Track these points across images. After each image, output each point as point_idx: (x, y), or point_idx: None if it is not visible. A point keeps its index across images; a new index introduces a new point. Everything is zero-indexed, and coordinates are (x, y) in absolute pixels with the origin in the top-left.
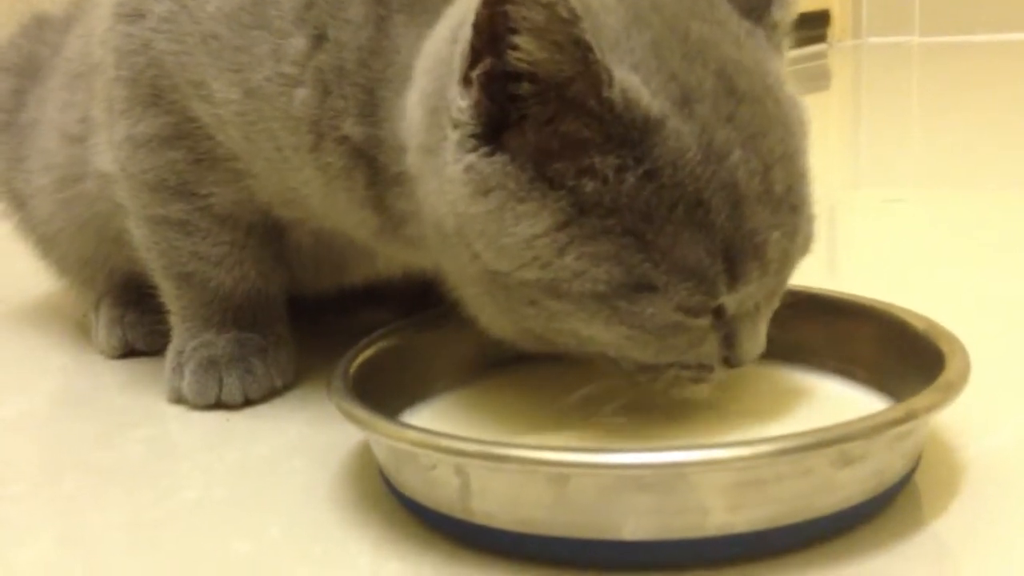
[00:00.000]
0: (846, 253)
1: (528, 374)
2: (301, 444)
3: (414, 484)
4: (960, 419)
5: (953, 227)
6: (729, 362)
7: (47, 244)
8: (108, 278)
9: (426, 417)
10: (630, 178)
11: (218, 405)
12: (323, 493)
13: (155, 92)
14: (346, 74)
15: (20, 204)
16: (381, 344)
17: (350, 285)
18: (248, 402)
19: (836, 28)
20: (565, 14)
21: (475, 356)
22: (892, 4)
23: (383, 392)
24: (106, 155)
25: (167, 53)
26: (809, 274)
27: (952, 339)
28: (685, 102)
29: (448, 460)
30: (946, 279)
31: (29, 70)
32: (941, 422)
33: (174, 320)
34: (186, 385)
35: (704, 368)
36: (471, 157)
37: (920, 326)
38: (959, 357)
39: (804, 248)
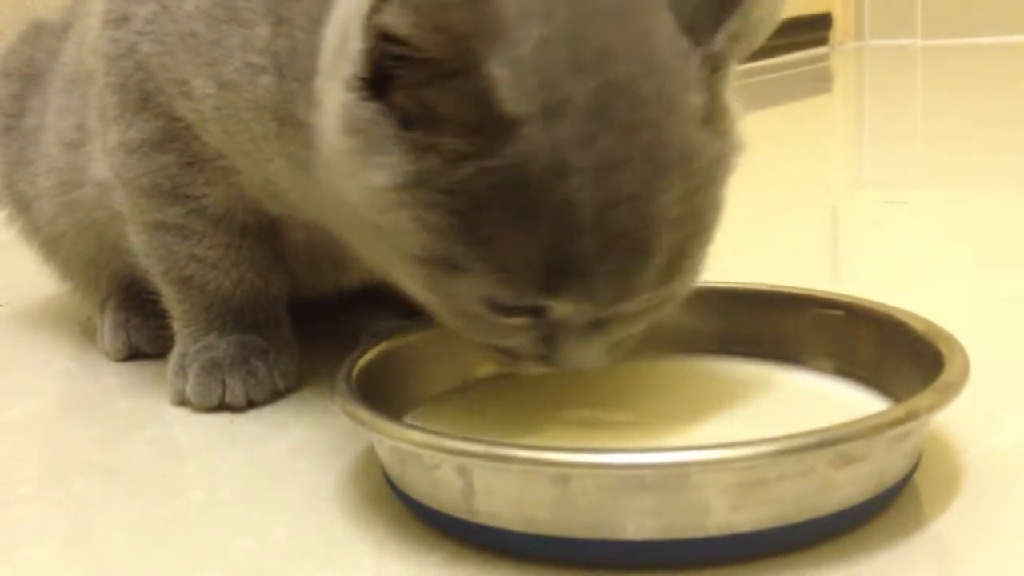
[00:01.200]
0: (848, 254)
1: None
2: (305, 445)
3: (417, 485)
4: (960, 420)
5: (955, 229)
6: (547, 362)
7: (51, 247)
8: (111, 281)
9: (430, 418)
10: (471, 167)
11: (221, 407)
12: (327, 494)
13: (143, 96)
14: (297, 55)
15: (24, 207)
16: (384, 346)
17: (349, 286)
18: (251, 404)
19: (838, 31)
20: None
21: (479, 358)
22: (894, 7)
23: (387, 393)
24: (102, 163)
25: (151, 55)
26: (811, 275)
27: (951, 340)
28: (549, 113)
29: (451, 460)
30: (948, 280)
31: (30, 75)
32: (941, 423)
33: (176, 325)
34: (190, 388)
35: (515, 357)
36: (350, 96)
37: (919, 327)
38: (959, 358)
39: (656, 292)
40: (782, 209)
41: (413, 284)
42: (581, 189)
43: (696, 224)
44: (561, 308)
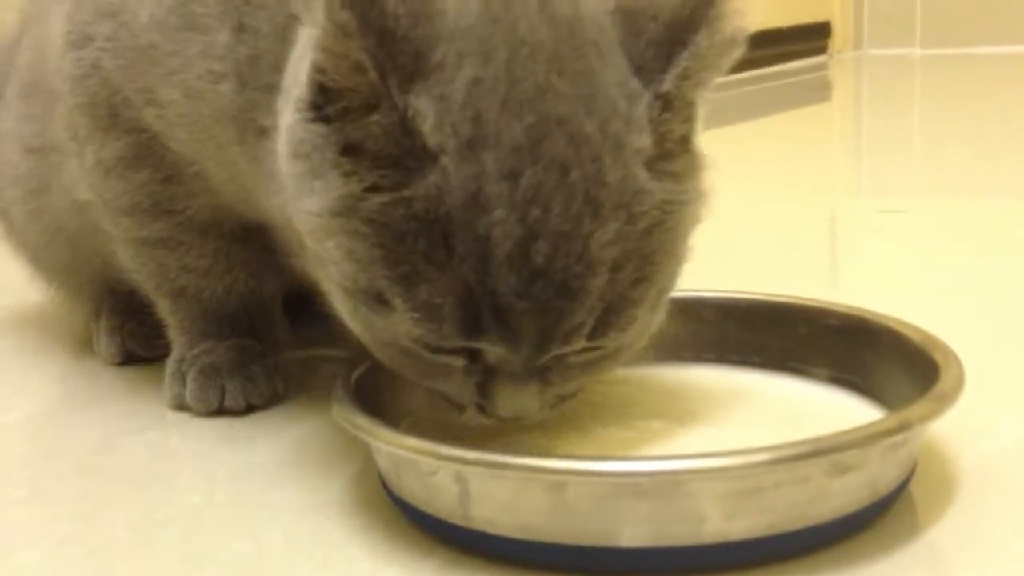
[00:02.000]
0: (846, 262)
1: None
2: (302, 450)
3: (414, 491)
4: (955, 429)
5: (953, 238)
6: (483, 410)
7: (29, 253)
8: (91, 286)
9: (426, 426)
10: (388, 197)
11: (220, 412)
12: (324, 499)
13: (112, 112)
14: (260, 64)
15: (3, 214)
16: None
17: None
18: (250, 408)
19: (837, 40)
20: (350, 29)
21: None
22: (893, 16)
23: (384, 401)
24: (81, 184)
25: (114, 70)
26: (809, 283)
27: (947, 350)
28: (472, 146)
29: (448, 467)
30: (945, 290)
31: None
32: (936, 432)
33: (172, 333)
34: (188, 392)
35: (451, 402)
36: (296, 116)
37: (915, 337)
38: (954, 368)
39: (596, 343)
40: (780, 217)
41: (347, 318)
42: (501, 223)
43: (641, 272)
44: (493, 351)
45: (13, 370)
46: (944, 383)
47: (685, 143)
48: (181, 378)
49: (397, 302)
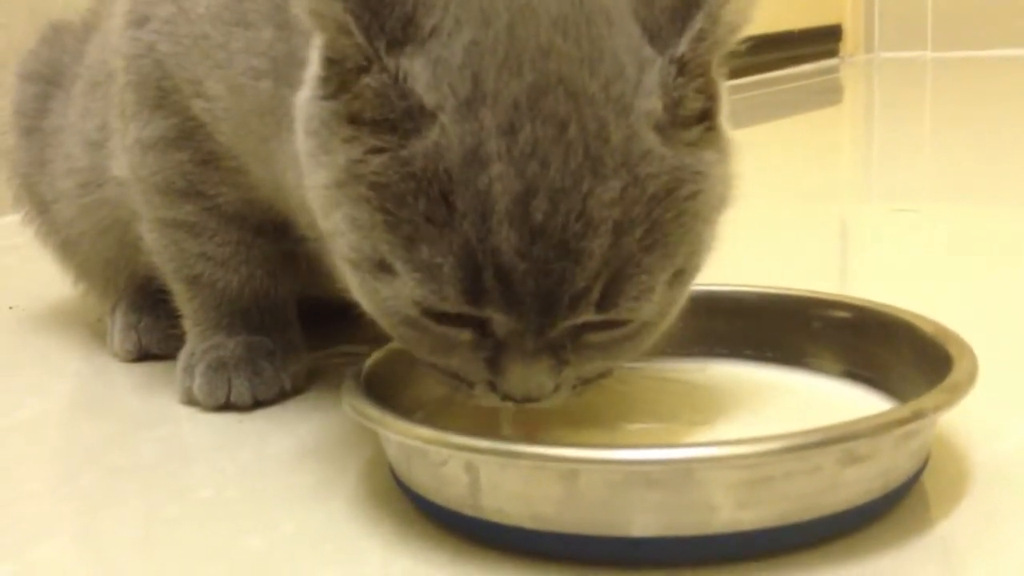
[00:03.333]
0: (857, 264)
1: None
2: (313, 444)
3: (424, 481)
4: (969, 422)
5: (963, 239)
6: (495, 388)
7: (70, 248)
8: (129, 281)
9: (437, 418)
10: (389, 158)
11: (228, 406)
12: (335, 491)
13: (160, 94)
14: (294, 61)
15: (43, 208)
16: (393, 347)
17: None
18: (258, 404)
19: (848, 43)
20: None
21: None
22: (904, 19)
23: (394, 393)
24: (120, 160)
25: (168, 55)
26: (820, 284)
27: (960, 342)
28: (471, 103)
29: (458, 456)
30: (956, 288)
31: (51, 76)
32: (950, 425)
33: (187, 324)
34: (196, 386)
35: (461, 381)
36: (308, 95)
37: (928, 329)
38: (967, 359)
39: (605, 313)
40: (792, 218)
41: (357, 293)
42: (500, 178)
43: (651, 239)
44: (499, 321)
45: (27, 367)
46: (957, 374)
47: (707, 118)
48: (191, 372)
49: (399, 265)
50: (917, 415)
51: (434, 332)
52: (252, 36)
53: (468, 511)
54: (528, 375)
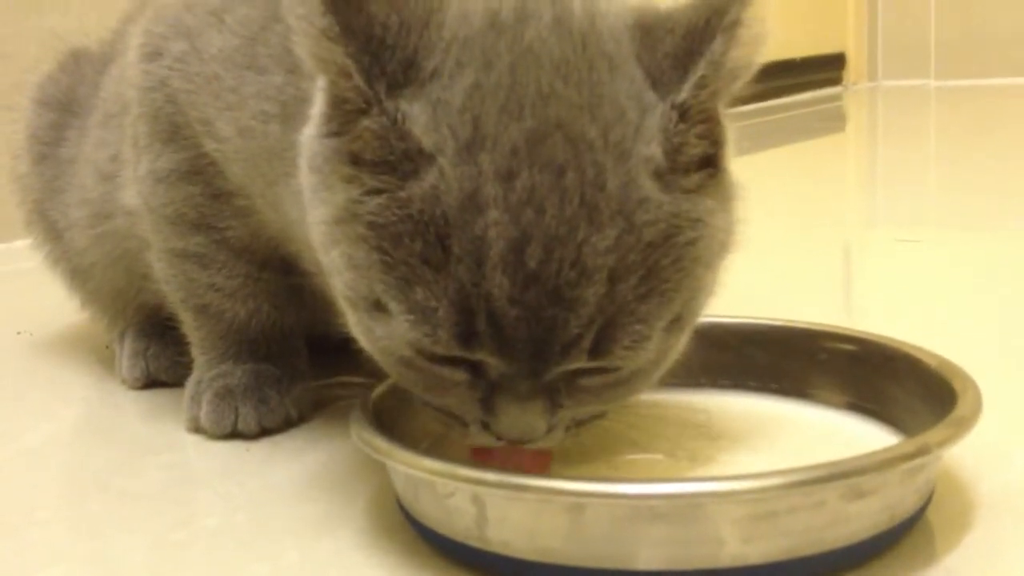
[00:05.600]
0: (861, 292)
1: None
2: (319, 473)
3: (431, 512)
4: (973, 456)
5: (968, 268)
6: (489, 428)
7: (81, 275)
8: (138, 309)
9: (445, 449)
10: (386, 199)
11: (234, 435)
12: (341, 521)
13: (173, 128)
14: (303, 105)
15: (55, 236)
16: None
17: None
18: (264, 432)
19: (852, 71)
20: (332, 34)
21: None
22: (907, 48)
23: (401, 424)
24: (131, 189)
25: (180, 91)
26: (824, 312)
27: (964, 376)
28: (470, 148)
29: (465, 488)
30: (960, 318)
31: (68, 104)
32: (954, 458)
33: (194, 352)
34: (203, 414)
35: (455, 419)
36: (311, 131)
37: (932, 363)
38: (971, 393)
39: (601, 360)
40: (795, 246)
41: (354, 331)
42: (495, 224)
43: (647, 286)
44: (492, 364)
45: (35, 393)
46: (962, 408)
47: (709, 163)
48: (198, 400)
49: (393, 306)
50: (922, 451)
51: (429, 372)
52: (264, 80)
53: (475, 543)
54: (521, 417)
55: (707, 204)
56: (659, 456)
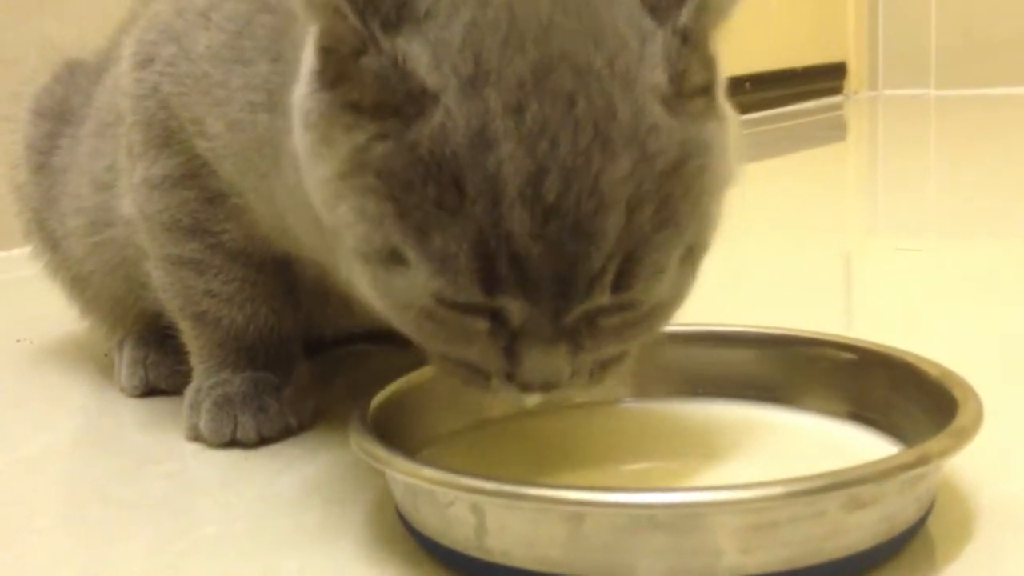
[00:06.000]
0: (862, 301)
1: (548, 419)
2: (319, 482)
3: (431, 522)
4: (974, 466)
5: (969, 277)
6: (512, 379)
7: (80, 284)
8: (137, 318)
9: (443, 457)
10: (393, 145)
11: (234, 443)
12: (340, 530)
13: (166, 134)
14: (288, 90)
15: (53, 245)
16: (399, 385)
17: (361, 328)
18: (264, 440)
19: (853, 80)
20: None
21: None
22: (908, 57)
23: (401, 432)
24: (127, 198)
25: (171, 95)
26: (824, 321)
27: (965, 385)
28: (474, 83)
29: (465, 498)
30: (961, 327)
31: (62, 114)
32: (954, 468)
33: (193, 360)
34: (203, 423)
35: (478, 372)
36: (303, 90)
37: (933, 372)
38: (972, 403)
39: (620, 296)
40: (796, 255)
41: (368, 290)
42: (509, 159)
43: (662, 215)
44: (515, 309)
45: (34, 401)
46: (963, 418)
47: (708, 92)
48: (197, 409)
49: (411, 255)
50: (922, 460)
51: (449, 323)
52: (250, 72)
53: (474, 553)
54: (545, 361)
55: (711, 128)
56: (657, 465)
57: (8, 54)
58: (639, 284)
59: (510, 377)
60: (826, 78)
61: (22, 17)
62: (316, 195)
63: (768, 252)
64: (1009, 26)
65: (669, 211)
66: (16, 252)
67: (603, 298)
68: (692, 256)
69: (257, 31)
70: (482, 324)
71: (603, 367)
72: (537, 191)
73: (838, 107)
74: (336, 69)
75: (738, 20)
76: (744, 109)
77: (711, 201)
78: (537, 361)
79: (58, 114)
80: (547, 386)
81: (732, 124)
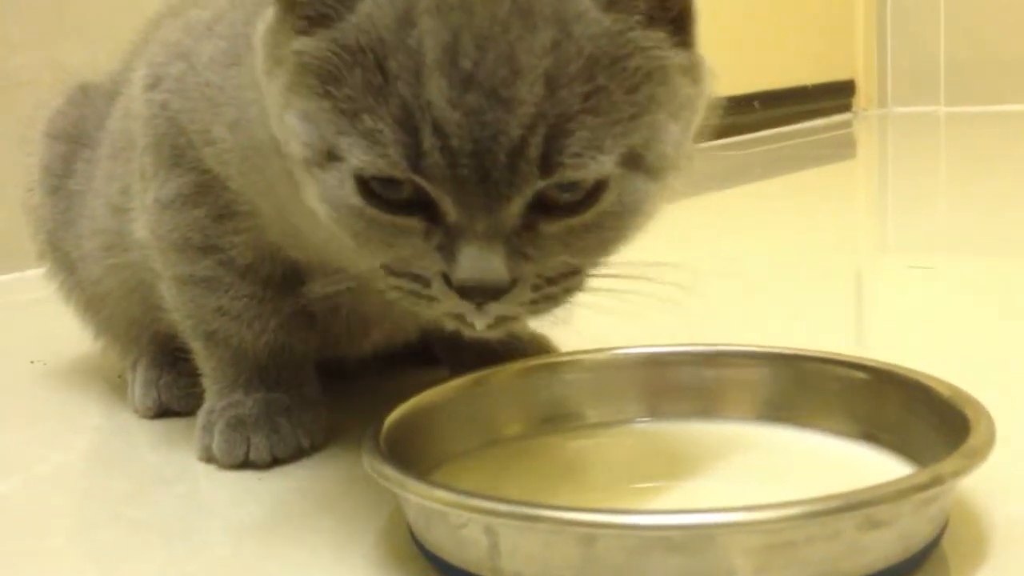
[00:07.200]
0: (873, 319)
1: (561, 438)
2: (331, 503)
3: (443, 543)
4: (987, 485)
5: (980, 294)
6: (448, 280)
7: (95, 305)
8: (151, 339)
9: (456, 477)
10: (326, 41)
11: (246, 464)
12: (352, 551)
13: (176, 152)
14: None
15: (68, 266)
16: (412, 405)
17: (376, 347)
18: (276, 461)
19: (862, 97)
20: None
21: (506, 418)
22: (917, 74)
23: (413, 452)
24: (139, 221)
25: (180, 111)
26: (836, 339)
27: (977, 405)
28: None
29: (478, 519)
30: (973, 345)
31: (77, 137)
32: (968, 488)
33: (206, 382)
34: (215, 444)
35: (418, 280)
36: (263, 26)
37: (945, 392)
38: (984, 423)
39: (548, 179)
40: (806, 273)
41: (315, 202)
42: (429, 32)
43: (595, 102)
44: (445, 193)
45: (47, 422)
46: (976, 438)
47: (679, 28)
48: (210, 430)
49: (343, 142)
50: (937, 480)
51: (383, 223)
52: (243, 71)
53: (487, 574)
54: (481, 259)
55: (660, 38)
56: (670, 485)
57: (23, 77)
58: (567, 160)
59: (448, 282)
60: (835, 96)
61: (36, 40)
62: (272, 119)
63: (779, 271)
64: (1019, 42)
65: (603, 101)
66: (30, 273)
67: (531, 180)
68: (641, 165)
69: (252, 32)
70: (416, 223)
71: (550, 282)
72: (453, 59)
73: (847, 125)
74: None
75: (747, 39)
76: (753, 127)
77: (666, 118)
78: (472, 257)
79: (72, 136)
80: (487, 291)
81: (704, 69)
